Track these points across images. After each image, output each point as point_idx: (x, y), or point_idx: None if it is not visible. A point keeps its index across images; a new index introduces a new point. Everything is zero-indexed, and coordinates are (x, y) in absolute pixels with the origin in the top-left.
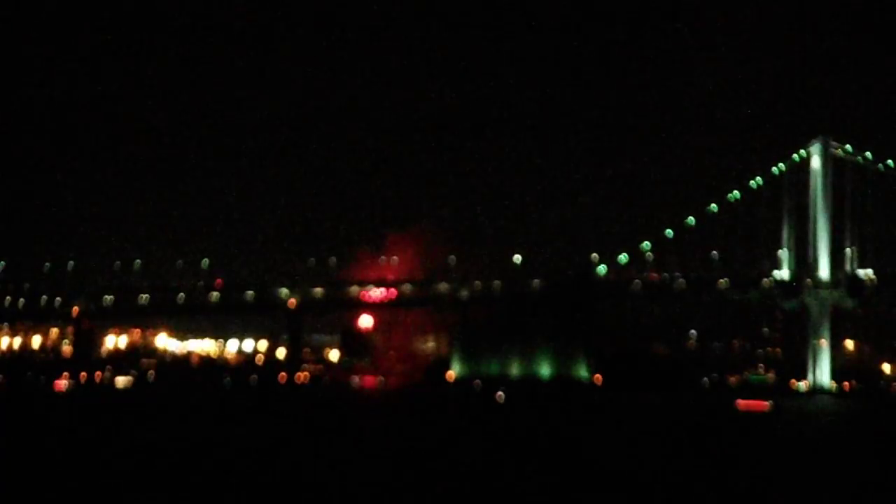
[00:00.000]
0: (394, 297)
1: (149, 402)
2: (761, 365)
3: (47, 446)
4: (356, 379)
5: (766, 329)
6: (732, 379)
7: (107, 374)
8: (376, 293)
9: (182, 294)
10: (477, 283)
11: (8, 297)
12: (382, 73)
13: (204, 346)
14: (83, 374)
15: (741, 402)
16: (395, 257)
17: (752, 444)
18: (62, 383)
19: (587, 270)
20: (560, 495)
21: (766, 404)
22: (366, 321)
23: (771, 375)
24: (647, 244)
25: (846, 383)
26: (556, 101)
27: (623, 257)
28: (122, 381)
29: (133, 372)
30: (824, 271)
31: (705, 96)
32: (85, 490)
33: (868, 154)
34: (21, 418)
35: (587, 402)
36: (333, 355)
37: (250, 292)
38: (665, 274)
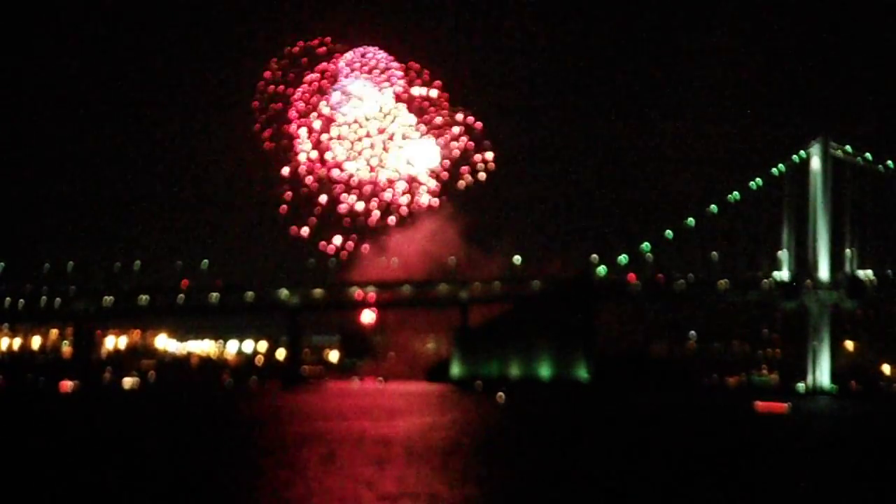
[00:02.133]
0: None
1: (159, 403)
2: (764, 366)
3: (67, 448)
4: (357, 379)
5: (766, 330)
6: (732, 380)
7: (107, 374)
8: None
9: (182, 294)
10: (477, 283)
11: (8, 298)
12: None
13: (204, 347)
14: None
15: (760, 404)
16: (395, 258)
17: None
18: (68, 384)
19: (587, 271)
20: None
21: (784, 406)
22: (367, 317)
23: (774, 376)
24: (647, 245)
25: (853, 382)
26: (555, 102)
27: (623, 258)
28: (128, 382)
29: (133, 372)
30: (824, 272)
31: (705, 96)
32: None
33: (868, 154)
34: (32, 420)
35: (587, 403)
36: (333, 355)
37: (250, 293)
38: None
